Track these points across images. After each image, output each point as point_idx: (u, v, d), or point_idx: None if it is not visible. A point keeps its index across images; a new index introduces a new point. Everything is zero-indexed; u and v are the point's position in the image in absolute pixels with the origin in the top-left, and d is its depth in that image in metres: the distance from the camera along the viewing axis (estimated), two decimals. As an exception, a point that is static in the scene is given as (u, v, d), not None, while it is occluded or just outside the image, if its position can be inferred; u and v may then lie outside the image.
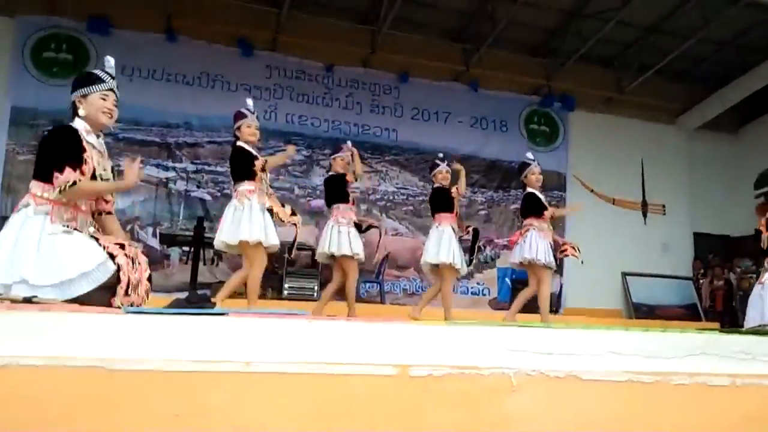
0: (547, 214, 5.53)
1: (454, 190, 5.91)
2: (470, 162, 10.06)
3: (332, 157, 5.86)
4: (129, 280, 2.61)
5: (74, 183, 2.60)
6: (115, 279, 2.57)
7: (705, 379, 1.46)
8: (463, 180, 6.00)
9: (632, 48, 10.39)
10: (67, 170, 2.61)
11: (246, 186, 4.35)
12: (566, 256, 5.68)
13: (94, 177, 2.75)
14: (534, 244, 5.34)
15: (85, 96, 2.81)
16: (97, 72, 2.92)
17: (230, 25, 8.86)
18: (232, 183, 4.53)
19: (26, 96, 7.90)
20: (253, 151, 4.48)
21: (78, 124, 2.78)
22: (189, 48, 8.71)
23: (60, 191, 2.61)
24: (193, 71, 8.82)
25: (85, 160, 2.70)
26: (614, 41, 10.14)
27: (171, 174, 8.58)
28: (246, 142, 4.48)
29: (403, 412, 1.27)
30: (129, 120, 8.14)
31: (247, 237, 4.17)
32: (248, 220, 4.20)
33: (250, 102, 4.65)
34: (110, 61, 2.98)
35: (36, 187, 2.68)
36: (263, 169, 4.37)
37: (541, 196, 5.63)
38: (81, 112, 2.79)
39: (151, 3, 8.60)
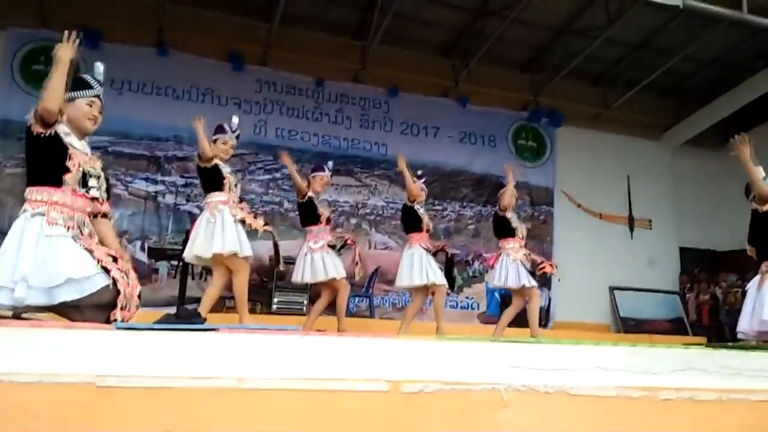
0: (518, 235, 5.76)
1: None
2: (459, 177, 10.14)
3: (311, 175, 5.58)
4: (124, 294, 2.60)
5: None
6: (112, 295, 2.57)
7: (692, 394, 1.47)
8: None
9: (619, 65, 10.54)
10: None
11: (217, 197, 4.32)
12: (544, 274, 5.96)
13: (84, 175, 2.74)
14: (504, 271, 5.60)
15: (71, 100, 2.81)
16: (86, 77, 2.92)
17: (221, 39, 8.87)
18: (203, 195, 4.51)
19: (15, 108, 7.83)
20: (221, 165, 4.42)
21: (58, 127, 2.77)
22: (179, 62, 8.71)
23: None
24: (183, 85, 8.82)
25: (70, 156, 2.70)
26: (601, 58, 10.28)
27: (160, 188, 8.54)
28: (215, 156, 4.41)
29: (395, 428, 1.27)
30: (118, 133, 8.11)
31: (221, 249, 4.13)
32: (221, 232, 4.16)
33: (235, 120, 4.65)
34: (100, 68, 2.98)
35: (30, 192, 2.69)
36: (208, 160, 4.33)
37: (511, 217, 5.79)
38: (64, 117, 2.79)
39: (142, 16, 8.60)
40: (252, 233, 4.37)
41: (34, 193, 2.68)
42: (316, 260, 5.29)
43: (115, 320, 2.54)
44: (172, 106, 8.70)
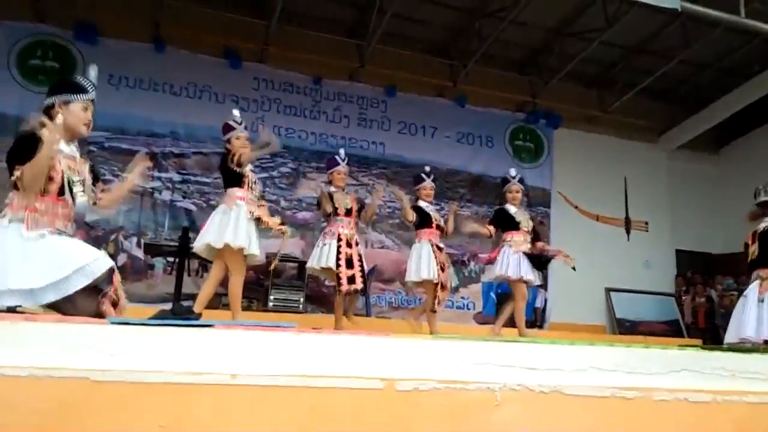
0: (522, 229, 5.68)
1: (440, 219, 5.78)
2: (456, 177, 10.14)
3: (328, 172, 5.59)
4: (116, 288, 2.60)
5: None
6: (103, 284, 2.56)
7: (686, 396, 1.48)
8: (451, 221, 5.87)
9: (616, 68, 10.57)
10: (17, 168, 2.60)
11: (236, 192, 4.34)
12: (564, 258, 5.78)
13: (66, 183, 2.71)
14: (506, 261, 5.57)
15: (66, 103, 2.77)
16: (81, 80, 2.87)
17: (218, 36, 8.85)
18: (223, 190, 4.52)
19: (11, 103, 7.81)
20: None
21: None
22: (177, 58, 8.69)
23: (17, 185, 2.60)
24: (180, 81, 8.80)
25: (52, 166, 2.66)
26: (598, 61, 10.31)
27: (157, 184, 8.52)
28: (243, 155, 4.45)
29: (389, 426, 1.27)
30: (115, 129, 8.08)
31: (232, 241, 4.14)
32: (234, 226, 4.18)
33: (236, 113, 4.64)
34: (94, 70, 2.94)
35: (12, 197, 2.66)
36: (239, 164, 4.32)
37: (515, 212, 5.74)
38: (58, 119, 2.74)
39: (139, 12, 8.58)
40: (263, 231, 4.38)
41: (16, 198, 2.65)
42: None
43: (104, 311, 2.53)
44: (169, 103, 8.69)
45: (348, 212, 5.36)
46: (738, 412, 1.52)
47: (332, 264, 5.14)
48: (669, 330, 10.55)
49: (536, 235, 5.84)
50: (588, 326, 9.91)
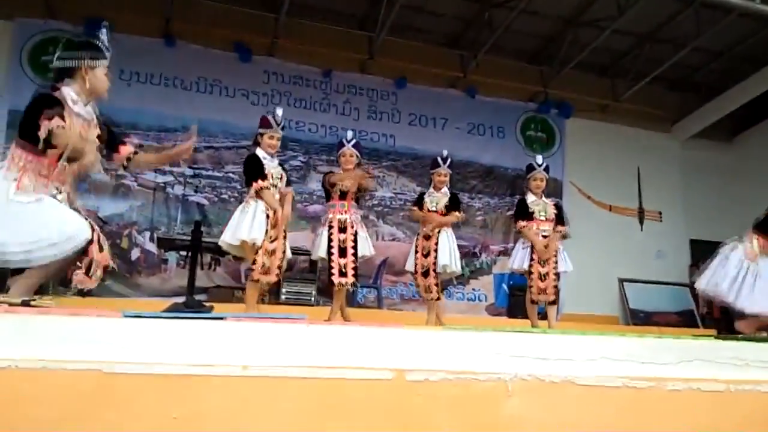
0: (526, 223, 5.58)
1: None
2: (467, 168, 10.09)
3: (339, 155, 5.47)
4: (92, 259, 2.62)
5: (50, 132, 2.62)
6: (81, 252, 2.58)
7: (699, 385, 1.47)
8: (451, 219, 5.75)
9: (628, 56, 10.43)
10: (44, 122, 2.62)
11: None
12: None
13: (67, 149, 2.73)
14: (516, 253, 5.64)
15: (92, 68, 2.80)
16: (99, 44, 2.90)
17: (228, 30, 8.86)
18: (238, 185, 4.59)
19: (24, 99, 7.79)
20: (266, 162, 4.48)
21: (66, 91, 2.75)
22: (187, 53, 8.72)
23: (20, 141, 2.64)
24: (191, 76, 8.83)
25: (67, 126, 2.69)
26: (610, 49, 10.18)
27: (169, 178, 8.57)
28: (265, 149, 4.54)
29: (400, 417, 1.28)
30: (126, 124, 8.13)
31: (246, 236, 4.18)
32: (251, 221, 4.21)
33: (279, 112, 4.70)
34: (105, 33, 2.96)
35: (14, 150, 2.68)
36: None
37: (532, 201, 5.65)
38: (87, 82, 2.79)
39: (149, 7, 8.60)
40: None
41: (17, 152, 2.67)
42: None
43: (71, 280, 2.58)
44: (180, 97, 8.72)
45: (343, 195, 5.06)
46: (752, 402, 1.51)
47: (323, 254, 4.96)
48: (683, 320, 10.46)
49: (560, 221, 5.67)
50: (601, 317, 9.85)
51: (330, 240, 4.92)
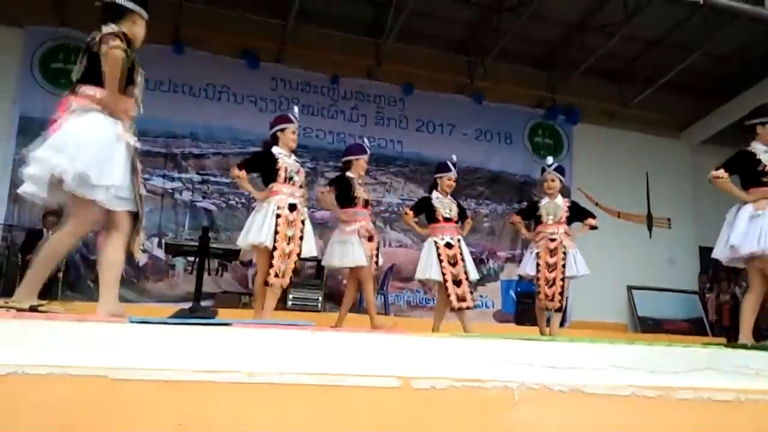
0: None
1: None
2: (474, 174, 10.09)
3: (353, 158, 5.55)
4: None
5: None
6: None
7: (709, 395, 1.45)
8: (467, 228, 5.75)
9: (636, 62, 10.41)
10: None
11: (272, 187, 4.36)
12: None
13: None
14: (526, 258, 5.60)
15: (134, 21, 3.17)
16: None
17: (236, 37, 8.91)
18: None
19: (35, 106, 7.94)
20: (281, 156, 4.46)
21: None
22: (195, 59, 8.77)
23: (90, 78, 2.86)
24: (199, 83, 8.88)
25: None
26: (618, 55, 10.15)
27: (177, 184, 8.62)
28: (284, 145, 4.52)
29: (406, 424, 1.27)
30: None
31: (256, 240, 4.17)
32: (261, 223, 4.20)
33: (296, 110, 4.73)
34: None
35: (83, 89, 2.89)
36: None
37: (544, 204, 5.58)
38: (132, 29, 3.15)
39: (158, 14, 8.56)
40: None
41: (87, 89, 2.89)
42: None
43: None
44: (188, 104, 8.78)
45: (366, 204, 5.27)
46: (762, 411, 1.49)
47: (363, 262, 4.94)
48: (693, 328, 10.38)
49: (583, 216, 5.67)
50: (610, 324, 9.79)
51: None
